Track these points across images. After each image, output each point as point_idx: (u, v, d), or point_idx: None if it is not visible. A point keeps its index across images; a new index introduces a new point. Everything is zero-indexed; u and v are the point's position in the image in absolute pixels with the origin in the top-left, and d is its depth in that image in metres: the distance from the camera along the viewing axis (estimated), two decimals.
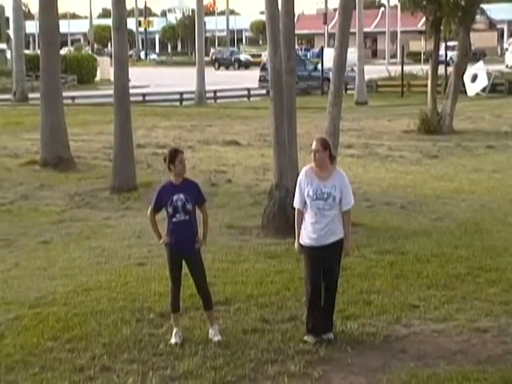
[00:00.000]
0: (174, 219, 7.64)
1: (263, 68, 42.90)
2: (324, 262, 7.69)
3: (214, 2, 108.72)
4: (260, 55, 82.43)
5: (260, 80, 44.34)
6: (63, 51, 61.42)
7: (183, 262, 7.77)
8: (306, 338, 7.69)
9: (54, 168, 18.05)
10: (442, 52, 63.93)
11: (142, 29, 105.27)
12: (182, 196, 7.59)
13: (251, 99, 42.97)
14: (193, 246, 7.70)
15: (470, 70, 39.27)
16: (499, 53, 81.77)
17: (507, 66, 59.22)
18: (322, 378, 6.91)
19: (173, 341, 7.65)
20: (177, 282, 7.78)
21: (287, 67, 13.34)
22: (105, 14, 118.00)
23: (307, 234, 7.69)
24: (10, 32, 39.50)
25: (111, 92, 17.06)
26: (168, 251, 7.79)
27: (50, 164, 18.19)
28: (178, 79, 52.71)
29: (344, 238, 7.72)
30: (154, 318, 8.38)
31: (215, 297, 8.50)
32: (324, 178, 7.62)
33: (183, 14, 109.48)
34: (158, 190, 7.82)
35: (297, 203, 7.78)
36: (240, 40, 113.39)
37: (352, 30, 14.16)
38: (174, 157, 7.61)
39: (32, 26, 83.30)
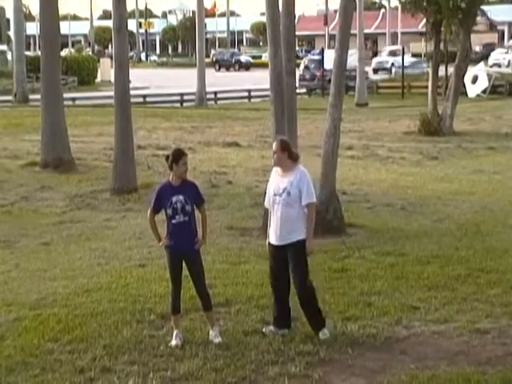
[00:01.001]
0: (173, 221, 7.64)
1: (305, 67, 47.74)
2: (288, 262, 7.78)
3: (215, 4, 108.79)
4: (261, 57, 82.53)
5: (300, 79, 45.85)
6: (64, 52, 61.43)
7: (183, 264, 7.78)
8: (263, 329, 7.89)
9: (54, 169, 18.04)
10: (385, 59, 62.96)
11: (142, 30, 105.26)
12: (181, 197, 7.59)
13: (252, 100, 43.02)
14: (192, 247, 7.70)
15: (471, 71, 39.29)
16: None
17: (491, 66, 59.13)
18: (322, 380, 6.91)
19: (173, 343, 7.64)
20: (177, 283, 7.77)
21: (288, 68, 13.34)
22: (105, 15, 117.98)
23: (270, 232, 7.88)
24: (11, 33, 39.50)
25: (112, 93, 17.07)
26: (168, 253, 7.79)
27: (51, 165, 18.18)
28: (179, 80, 52.71)
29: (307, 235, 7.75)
30: (154, 319, 8.38)
31: (215, 298, 8.51)
32: (284, 175, 7.81)
33: (184, 15, 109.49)
34: (156, 191, 7.79)
35: (265, 202, 8.01)
36: (240, 41, 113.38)
37: (352, 32, 14.17)
38: (178, 157, 7.60)
39: (33, 28, 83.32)
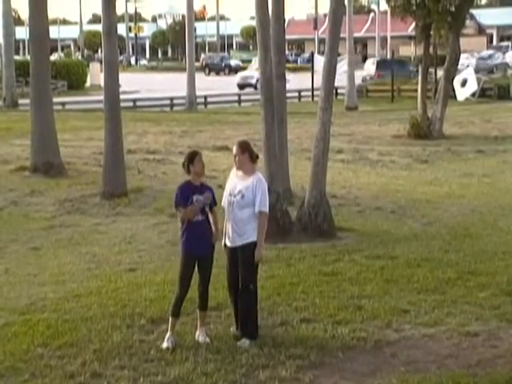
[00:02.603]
0: (193, 219, 7.73)
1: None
2: (238, 266, 7.81)
3: (205, 8, 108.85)
4: (250, 60, 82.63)
5: (363, 80, 49.36)
6: (53, 57, 61.33)
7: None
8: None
9: (44, 174, 17.99)
10: (250, 73, 57.46)
11: (132, 34, 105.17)
12: (200, 198, 7.75)
13: (242, 104, 43.06)
14: (208, 246, 7.81)
15: (460, 75, 39.41)
16: None
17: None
18: (312, 383, 6.91)
19: (165, 345, 7.65)
20: (186, 286, 7.80)
21: (277, 72, 13.38)
22: (95, 19, 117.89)
23: (226, 234, 7.90)
24: (0, 38, 39.34)
25: (101, 98, 17.05)
26: (184, 254, 7.81)
27: (40, 170, 18.13)
28: (169, 85, 52.70)
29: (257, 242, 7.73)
30: (144, 323, 8.35)
31: None
32: (243, 178, 7.84)
33: (173, 19, 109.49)
34: (178, 189, 7.85)
35: (222, 202, 8.00)
36: (230, 45, 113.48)
37: (342, 35, 14.20)
38: (193, 156, 7.81)
39: (22, 32, 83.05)
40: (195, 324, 8.02)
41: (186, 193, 7.75)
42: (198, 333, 7.84)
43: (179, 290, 7.82)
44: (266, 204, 7.78)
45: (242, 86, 52.93)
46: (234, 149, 7.87)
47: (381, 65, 52.91)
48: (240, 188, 7.78)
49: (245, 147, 7.85)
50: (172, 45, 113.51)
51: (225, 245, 7.96)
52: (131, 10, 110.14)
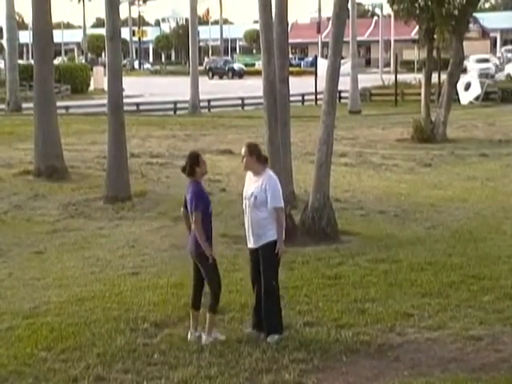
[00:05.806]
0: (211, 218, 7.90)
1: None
2: (259, 265, 7.92)
3: (208, 12, 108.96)
4: (254, 64, 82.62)
5: None
6: (57, 61, 61.38)
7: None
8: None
9: (47, 178, 18.01)
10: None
11: (135, 38, 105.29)
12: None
13: (245, 108, 43.06)
14: (191, 249, 7.98)
15: (464, 78, 39.41)
16: None
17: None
18: None
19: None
20: (194, 280, 8.11)
21: (281, 76, 13.38)
22: (99, 23, 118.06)
23: (247, 236, 8.05)
24: (4, 42, 39.37)
25: (105, 101, 17.07)
26: None
27: (44, 174, 18.15)
28: (172, 88, 52.74)
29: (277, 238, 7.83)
30: (148, 327, 8.35)
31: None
32: (255, 179, 7.91)
33: (177, 23, 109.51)
34: (200, 192, 7.82)
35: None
36: (234, 49, 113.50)
37: (345, 39, 14.20)
38: (197, 157, 7.84)
39: (26, 36, 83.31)
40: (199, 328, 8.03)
41: (206, 194, 7.92)
42: (203, 335, 7.89)
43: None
44: (280, 199, 7.85)
45: None
46: (242, 150, 7.94)
47: None
48: (252, 190, 7.85)
49: (252, 149, 7.91)
50: (175, 49, 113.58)
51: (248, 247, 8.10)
52: (135, 14, 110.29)
